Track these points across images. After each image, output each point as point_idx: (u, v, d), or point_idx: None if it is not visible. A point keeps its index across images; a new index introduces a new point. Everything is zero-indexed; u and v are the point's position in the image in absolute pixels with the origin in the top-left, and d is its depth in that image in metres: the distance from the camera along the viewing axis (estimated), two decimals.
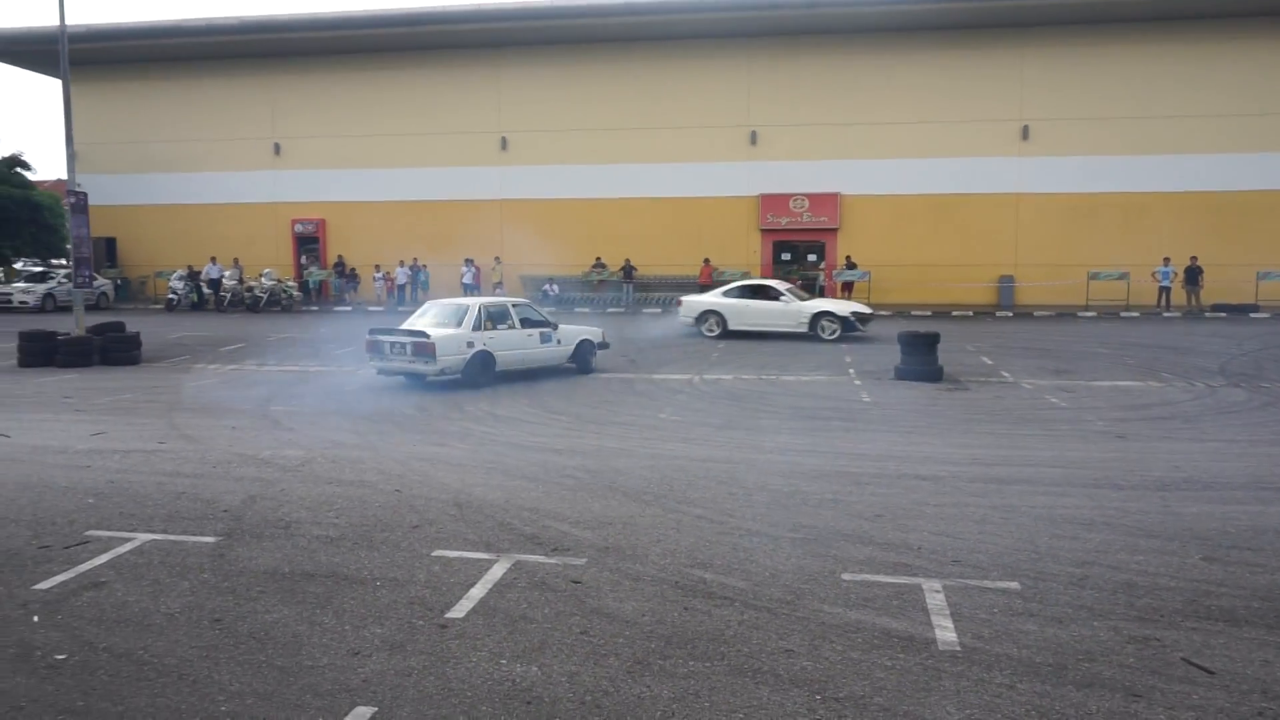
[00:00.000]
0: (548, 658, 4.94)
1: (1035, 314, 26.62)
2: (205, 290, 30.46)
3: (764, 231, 30.20)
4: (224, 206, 32.97)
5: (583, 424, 11.54)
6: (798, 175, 29.73)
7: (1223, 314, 25.99)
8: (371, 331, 14.65)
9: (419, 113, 31.58)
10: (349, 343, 20.27)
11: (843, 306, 20.91)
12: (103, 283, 30.84)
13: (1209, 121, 27.74)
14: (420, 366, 13.90)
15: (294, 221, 32.89)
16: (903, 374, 14.84)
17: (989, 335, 21.34)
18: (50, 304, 30.77)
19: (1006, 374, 15.44)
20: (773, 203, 29.91)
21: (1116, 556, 6.47)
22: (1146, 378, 14.97)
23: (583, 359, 16.07)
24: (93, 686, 4.68)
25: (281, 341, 20.71)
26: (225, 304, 29.69)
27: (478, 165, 31.39)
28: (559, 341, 15.73)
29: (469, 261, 29.78)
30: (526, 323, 15.30)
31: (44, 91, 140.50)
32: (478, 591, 5.83)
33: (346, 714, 4.36)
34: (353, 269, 31.01)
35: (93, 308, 27.25)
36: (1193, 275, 26.69)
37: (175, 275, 30.39)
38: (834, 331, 20.15)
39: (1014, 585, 5.94)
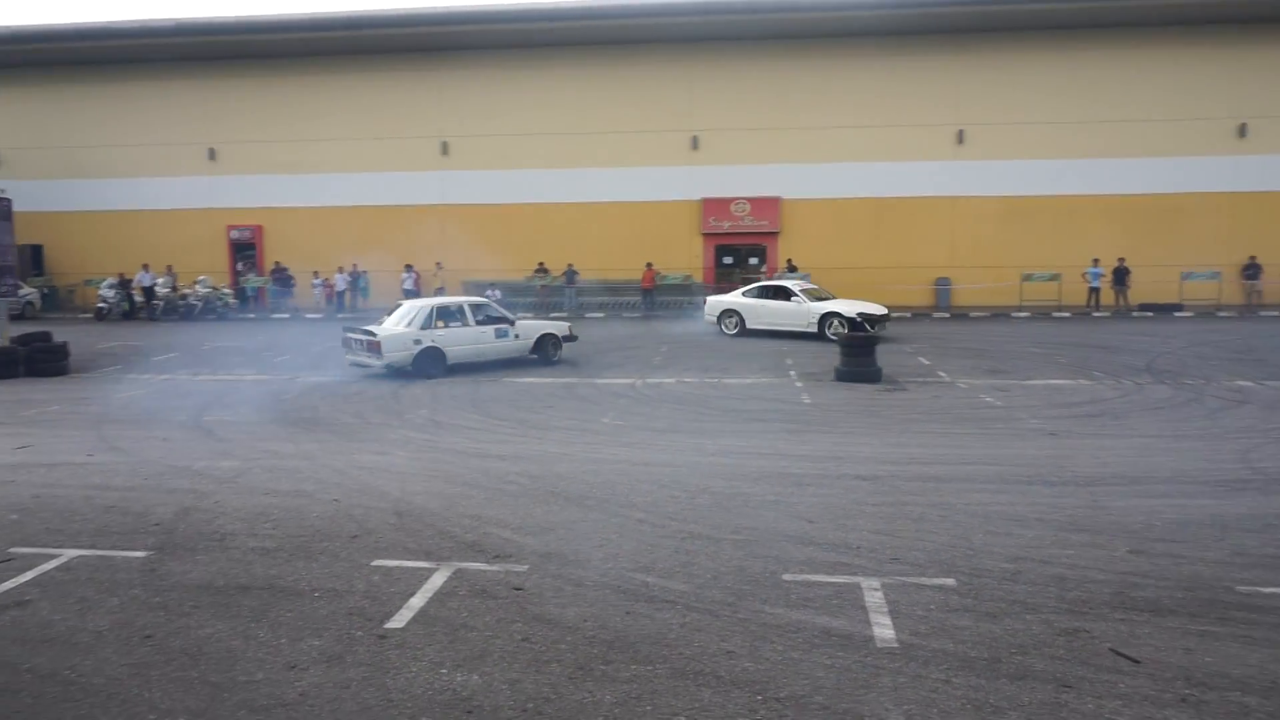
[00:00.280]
0: (489, 666, 4.91)
1: (971, 315, 27.14)
2: (137, 299, 29.72)
3: (706, 235, 30.35)
4: (157, 212, 32.19)
5: (525, 429, 11.49)
6: (739, 179, 29.95)
7: (1149, 313, 26.74)
8: (345, 329, 16.73)
9: (359, 117, 31.18)
10: (286, 350, 19.94)
11: (850, 307, 20.96)
12: (29, 291, 29.92)
13: (1136, 126, 28.52)
14: (373, 360, 15.61)
15: (230, 228, 32.24)
16: (842, 375, 15.02)
17: (926, 336, 21.70)
18: None
19: (943, 374, 15.71)
20: (714, 207, 30.09)
21: (1048, 551, 6.63)
22: (1077, 376, 15.34)
23: (544, 352, 17.12)
24: (15, 710, 4.54)
25: (217, 350, 20.29)
26: (158, 312, 28.98)
27: (418, 170, 31.09)
28: (517, 336, 16.88)
29: (409, 267, 29.48)
30: (486, 320, 16.67)
31: None
32: (418, 601, 5.78)
33: None
34: (288, 274, 30.49)
35: (18, 317, 26.41)
36: (1121, 276, 27.43)
37: (105, 283, 29.57)
38: (840, 333, 20.25)
39: (950, 581, 6.05)
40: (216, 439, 11.09)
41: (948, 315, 27.31)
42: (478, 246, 30.28)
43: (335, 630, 5.37)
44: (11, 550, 6.86)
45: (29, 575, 6.34)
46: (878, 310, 21.16)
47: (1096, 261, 27.49)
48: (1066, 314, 26.69)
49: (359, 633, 5.33)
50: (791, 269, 28.96)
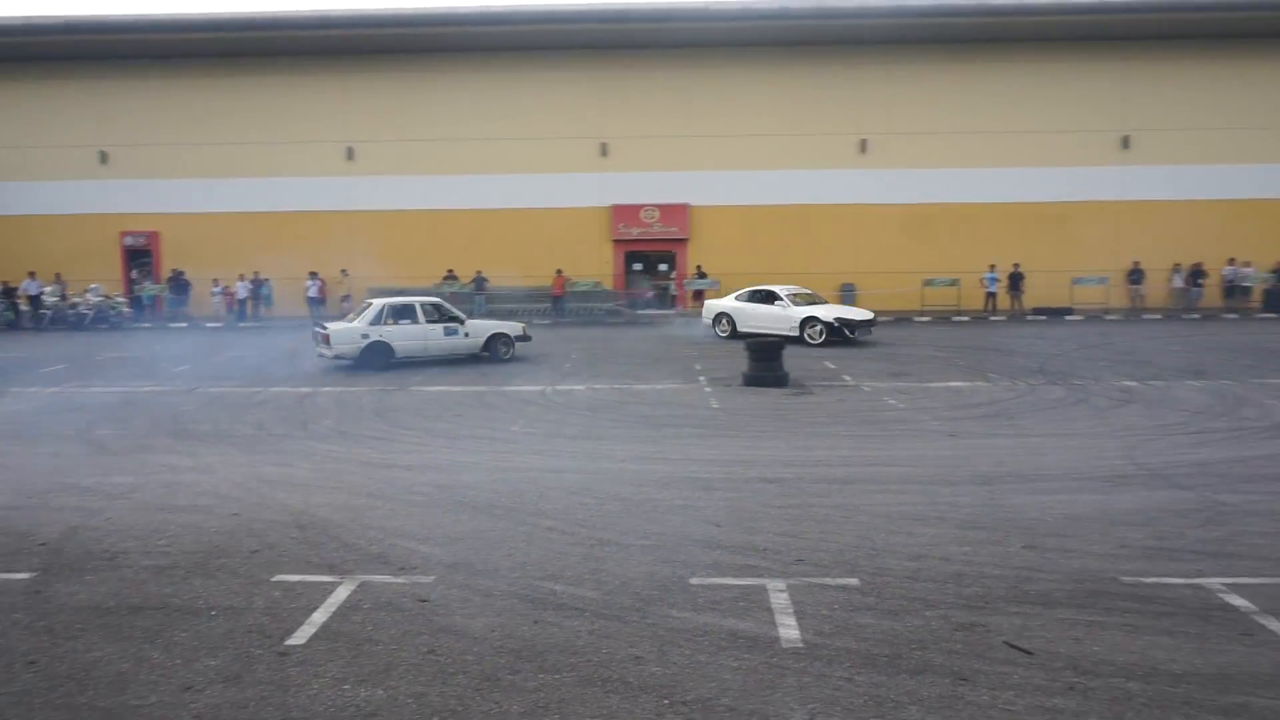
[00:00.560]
0: (394, 680, 4.83)
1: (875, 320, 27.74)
2: (23, 308, 28.39)
3: (616, 242, 30.44)
4: (44, 218, 30.78)
5: (433, 438, 11.34)
6: (649, 186, 30.12)
7: (1043, 317, 27.79)
8: (314, 324, 19.11)
9: (261, 120, 30.37)
10: (185, 360, 19.30)
11: (830, 312, 21.04)
12: None
13: (1029, 138, 29.63)
14: (326, 351, 17.36)
15: (124, 234, 31.03)
16: (750, 380, 15.22)
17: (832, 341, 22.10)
18: None
19: (848, 378, 16.05)
20: (624, 213, 30.20)
21: (947, 549, 6.82)
22: (975, 378, 15.84)
23: (494, 350, 18.28)
24: None
25: (109, 361, 19.52)
26: (45, 322, 27.76)
27: (323, 175, 30.43)
28: (467, 335, 18.11)
29: (314, 275, 28.85)
30: (437, 318, 17.96)
31: None
32: (320, 616, 5.65)
33: None
34: (186, 281, 29.50)
35: None
36: (1016, 281, 28.48)
37: None
38: (818, 337, 20.45)
39: (853, 581, 6.18)
40: (108, 453, 10.66)
41: (683, 318, 27.90)
42: (385, 253, 29.80)
43: (233, 649, 5.21)
44: None
45: None
46: (860, 315, 21.24)
47: (993, 267, 28.48)
48: (965, 318, 27.54)
49: (258, 651, 5.19)
50: (701, 275, 29.30)
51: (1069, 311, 28.20)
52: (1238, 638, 5.26)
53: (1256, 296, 28.98)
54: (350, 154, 30.29)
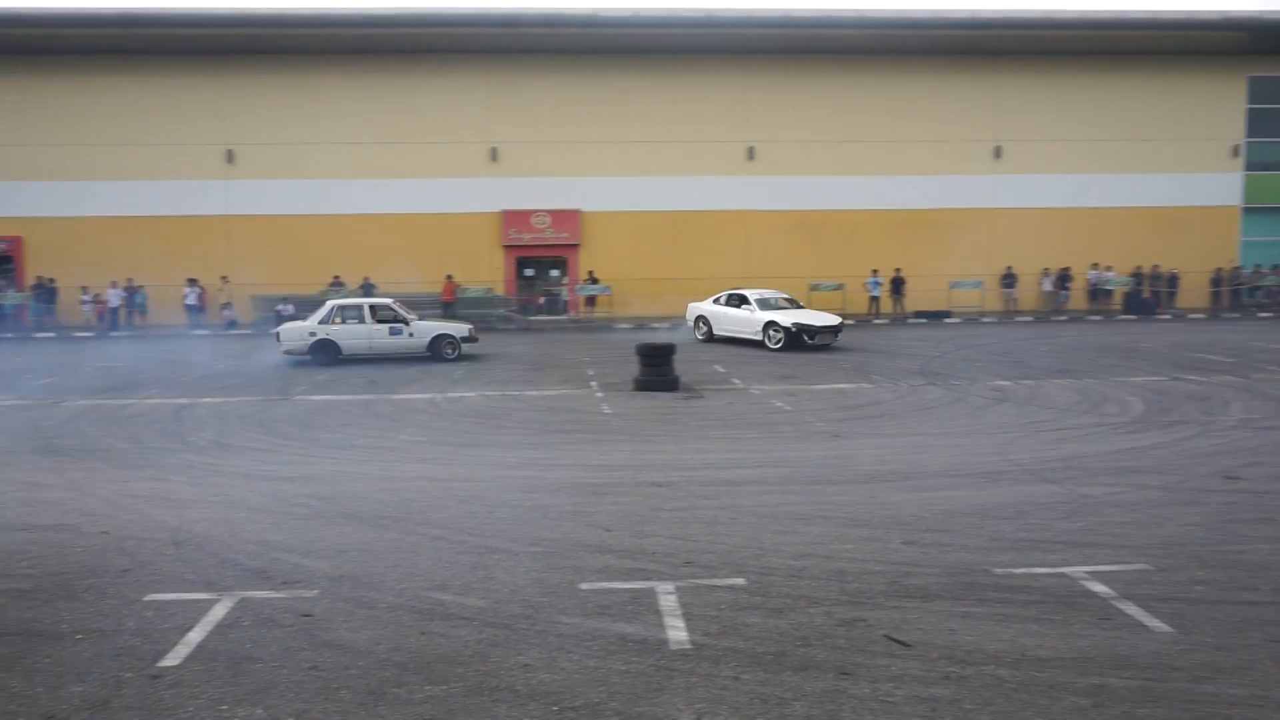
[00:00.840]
0: (274, 698, 4.69)
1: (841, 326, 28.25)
2: None
3: (507, 247, 30.25)
4: None
5: (318, 449, 11.06)
6: (539, 191, 30.03)
7: (923, 320, 28.80)
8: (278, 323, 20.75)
9: (135, 121, 29.03)
10: (50, 372, 18.35)
11: (789, 317, 20.74)
12: None
13: (909, 146, 30.68)
14: (280, 346, 18.96)
15: None
16: (642, 385, 15.32)
17: (722, 345, 22.44)
18: None
19: (738, 381, 16.31)
20: (515, 219, 30.03)
21: (831, 547, 7.00)
22: (859, 380, 16.30)
23: (439, 351, 19.23)
24: None
25: None
26: None
27: (201, 178, 29.31)
28: (411, 335, 19.17)
29: (192, 281, 27.80)
30: (383, 319, 19.11)
31: None
32: (196, 635, 5.45)
33: None
34: (52, 289, 28.01)
35: None
36: (897, 285, 29.47)
37: None
38: (778, 341, 20.35)
39: (740, 581, 6.28)
40: None
41: (669, 325, 28.26)
42: (268, 259, 28.94)
43: (101, 673, 4.98)
44: None
45: None
46: (824, 321, 20.97)
47: (875, 272, 29.39)
48: (850, 322, 28.20)
49: (128, 674, 4.97)
50: (593, 280, 29.35)
51: (947, 314, 29.30)
52: (1098, 622, 5.55)
53: (1118, 299, 30.69)
54: (230, 157, 29.29)
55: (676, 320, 26.22)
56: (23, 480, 9.54)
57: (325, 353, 18.75)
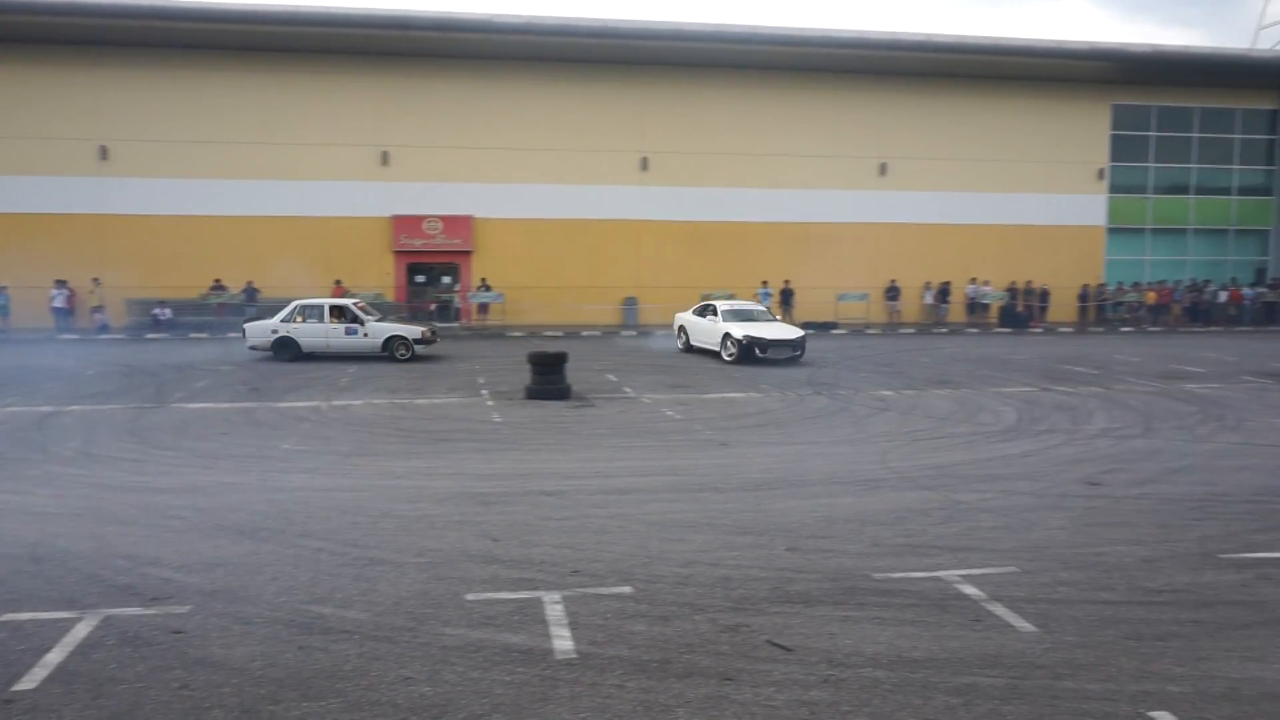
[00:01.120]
0: None
1: (657, 333, 28.51)
2: None
3: (398, 253, 29.72)
4: None
5: (194, 458, 10.65)
6: (431, 197, 29.63)
7: (811, 330, 29.39)
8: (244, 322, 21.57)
9: (1, 113, 27.51)
10: None
11: (743, 329, 20.17)
12: None
13: (797, 161, 31.42)
14: (246, 342, 20.43)
15: None
16: (533, 393, 15.25)
17: (614, 354, 22.55)
18: None
19: (629, 390, 16.38)
20: (406, 224, 29.55)
21: (716, 554, 7.10)
22: (748, 389, 16.57)
23: (391, 351, 20.19)
24: None
25: None
26: None
27: (74, 175, 27.89)
28: (366, 335, 20.17)
29: (61, 283, 26.42)
30: (342, 319, 20.19)
31: None
32: (55, 656, 5.18)
33: None
34: None
35: None
36: (787, 296, 30.11)
37: None
38: (732, 354, 19.95)
39: (627, 589, 6.31)
40: None
41: (635, 333, 28.52)
42: (144, 261, 27.79)
43: None
44: None
45: None
46: (782, 334, 20.29)
47: (765, 283, 29.97)
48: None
49: None
50: (485, 288, 29.10)
51: (834, 325, 30.08)
52: (969, 623, 5.77)
53: (994, 313, 32.03)
54: (104, 154, 27.98)
55: (645, 329, 26.30)
56: None
57: (286, 349, 20.03)
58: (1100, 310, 32.91)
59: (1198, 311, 32.88)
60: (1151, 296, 32.67)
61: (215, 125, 28.38)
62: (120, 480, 9.52)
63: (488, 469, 10.11)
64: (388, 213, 29.46)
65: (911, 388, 16.85)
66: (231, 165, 28.51)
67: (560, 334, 27.55)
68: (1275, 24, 40.34)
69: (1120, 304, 32.86)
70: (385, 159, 29.34)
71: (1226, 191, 35.06)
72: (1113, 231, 34.16)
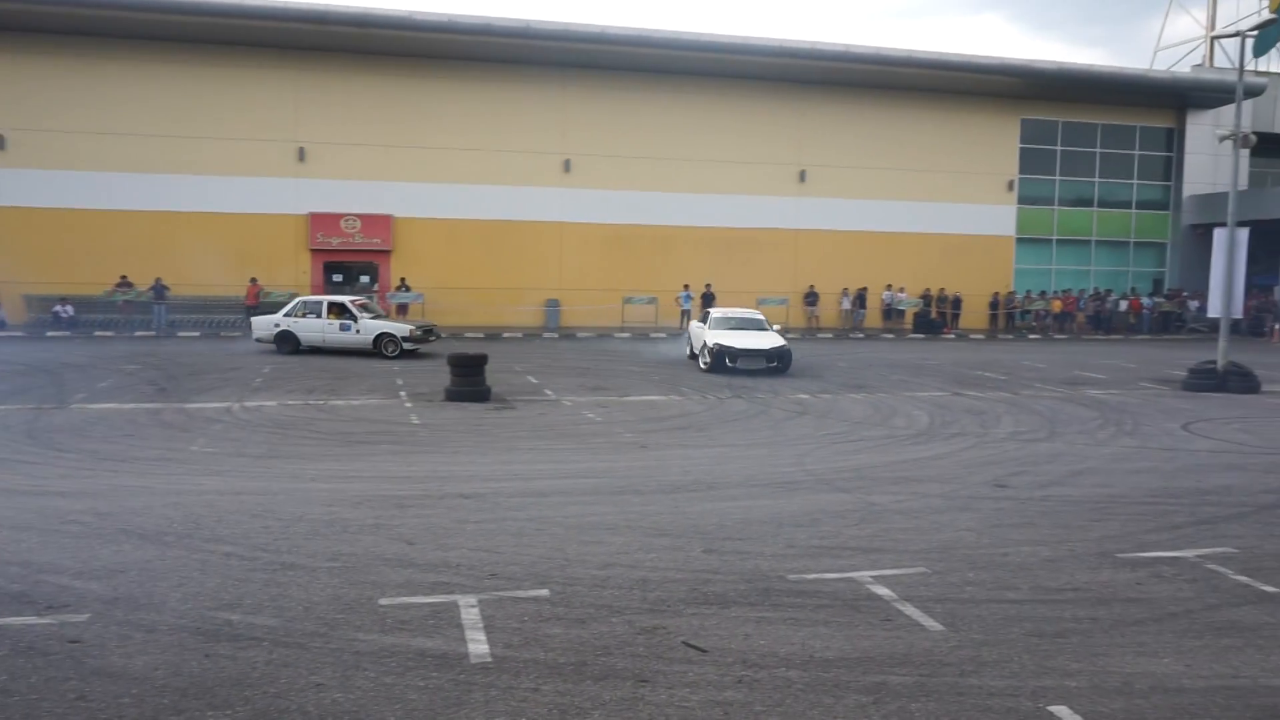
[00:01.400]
0: None
1: (578, 335, 28.51)
2: None
3: (315, 251, 29.12)
4: None
5: (96, 461, 10.27)
6: (349, 195, 29.11)
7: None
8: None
9: None
10: None
11: (714, 336, 19.64)
12: None
13: (720, 166, 31.72)
14: (253, 334, 21.92)
15: None
16: (453, 395, 15.09)
17: (536, 356, 22.47)
18: None
19: (550, 392, 16.33)
20: (323, 222, 28.97)
21: (635, 556, 7.12)
22: (669, 392, 16.66)
23: (381, 348, 20.84)
24: None
25: None
26: None
27: None
28: (358, 332, 21.00)
29: None
30: (338, 316, 21.16)
31: None
32: None
33: None
34: None
35: None
36: (708, 300, 30.25)
37: None
38: (707, 363, 19.53)
39: (544, 592, 6.29)
40: None
41: (556, 335, 28.45)
42: (46, 257, 26.72)
43: None
44: None
45: None
46: (757, 344, 19.39)
47: (687, 287, 30.16)
48: (663, 334, 28.89)
49: None
50: (404, 288, 28.70)
51: None
52: (880, 623, 5.89)
53: (909, 319, 32.81)
54: (1, 143, 26.81)
55: (567, 330, 26.03)
56: None
57: (286, 342, 21.25)
58: (1009, 318, 33.94)
59: (1100, 320, 34.16)
60: (1057, 305, 33.84)
61: (122, 116, 27.45)
62: (14, 484, 9.13)
63: (405, 471, 9.97)
64: (304, 210, 28.86)
65: (828, 392, 17.15)
66: (140, 158, 27.59)
67: (481, 335, 27.32)
68: (1173, 45, 42.24)
69: (1028, 312, 33.96)
70: (302, 155, 28.74)
71: (1127, 205, 36.50)
72: (1021, 241, 35.29)
